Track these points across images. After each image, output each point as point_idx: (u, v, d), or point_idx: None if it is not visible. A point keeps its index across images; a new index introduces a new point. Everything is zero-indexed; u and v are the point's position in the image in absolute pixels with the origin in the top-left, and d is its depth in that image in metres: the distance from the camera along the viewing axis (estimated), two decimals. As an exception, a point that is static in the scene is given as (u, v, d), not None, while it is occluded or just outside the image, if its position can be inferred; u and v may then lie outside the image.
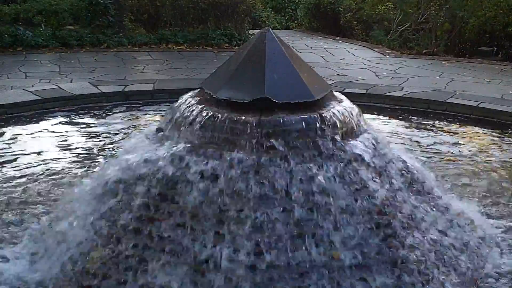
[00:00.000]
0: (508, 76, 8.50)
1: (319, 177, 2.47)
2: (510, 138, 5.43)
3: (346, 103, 2.85)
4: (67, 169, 4.31)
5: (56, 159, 4.55)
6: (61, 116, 5.89)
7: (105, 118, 5.88)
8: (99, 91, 6.60)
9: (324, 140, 2.55)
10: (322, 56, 10.30)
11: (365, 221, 2.50)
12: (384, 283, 2.42)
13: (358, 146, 2.68)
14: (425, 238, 2.68)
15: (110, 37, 10.46)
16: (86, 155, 4.70)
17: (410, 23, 11.83)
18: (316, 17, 14.87)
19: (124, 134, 5.27)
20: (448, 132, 5.66)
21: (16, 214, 3.47)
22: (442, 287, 2.54)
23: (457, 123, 5.96)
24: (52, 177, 4.12)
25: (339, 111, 2.68)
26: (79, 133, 5.35)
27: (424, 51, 10.99)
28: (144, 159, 2.66)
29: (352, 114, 2.77)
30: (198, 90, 2.95)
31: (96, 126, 5.58)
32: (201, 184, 2.48)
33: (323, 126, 2.56)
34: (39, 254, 2.82)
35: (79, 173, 4.18)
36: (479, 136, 5.50)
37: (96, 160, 4.51)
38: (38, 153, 4.66)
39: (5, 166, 4.35)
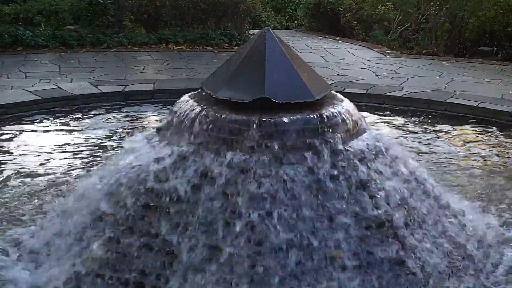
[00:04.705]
0: (508, 76, 8.50)
1: (319, 177, 2.48)
2: (509, 138, 5.43)
3: (346, 103, 2.85)
4: (67, 169, 4.31)
5: (57, 159, 4.55)
6: (61, 116, 5.89)
7: (105, 118, 5.88)
8: (99, 91, 6.60)
9: (324, 140, 2.55)
10: (322, 56, 10.30)
11: (365, 220, 2.50)
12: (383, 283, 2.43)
13: (358, 146, 2.68)
14: (425, 238, 2.68)
15: (110, 37, 10.46)
16: (86, 155, 4.70)
17: (410, 23, 11.84)
18: (316, 17, 14.88)
19: (124, 134, 5.27)
20: (448, 132, 5.65)
21: (15, 213, 3.47)
22: None
23: (457, 123, 5.96)
24: (52, 177, 4.12)
25: (339, 111, 2.68)
26: (79, 133, 5.34)
27: (424, 51, 11.00)
28: (144, 160, 2.66)
29: (352, 114, 2.78)
30: (198, 90, 2.95)
31: (96, 126, 5.57)
32: (200, 184, 2.48)
33: (323, 126, 2.56)
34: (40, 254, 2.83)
35: (79, 174, 4.18)
36: (479, 136, 5.50)
37: (96, 161, 4.51)
38: (38, 153, 4.66)
39: (5, 166, 4.35)
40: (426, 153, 4.88)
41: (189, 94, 2.95)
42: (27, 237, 3.05)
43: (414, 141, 5.24)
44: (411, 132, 5.62)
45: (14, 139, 5.08)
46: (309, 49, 11.29)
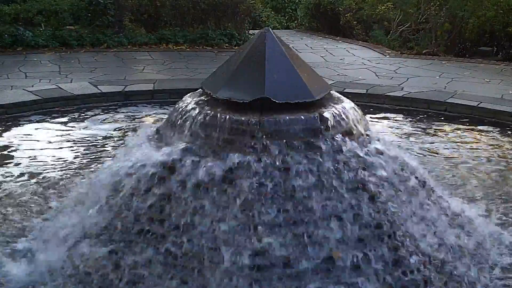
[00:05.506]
0: (508, 76, 8.51)
1: (319, 177, 2.47)
2: (510, 138, 5.43)
3: (346, 103, 2.85)
4: (67, 169, 4.30)
5: (56, 159, 4.55)
6: (61, 116, 5.89)
7: (104, 118, 5.88)
8: (99, 91, 6.60)
9: (324, 140, 2.55)
10: (322, 56, 10.31)
11: (364, 221, 2.50)
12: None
13: (358, 145, 2.68)
14: (424, 239, 2.68)
15: (110, 37, 10.47)
16: (85, 155, 4.69)
17: (410, 23, 11.84)
18: (316, 17, 14.89)
19: (124, 134, 5.27)
20: (448, 132, 5.65)
21: (15, 212, 3.47)
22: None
23: (457, 123, 5.96)
24: (52, 176, 4.12)
25: (339, 111, 2.69)
26: (78, 133, 5.34)
27: (424, 51, 11.00)
28: (144, 161, 2.66)
29: (352, 114, 2.77)
30: (198, 90, 2.95)
31: (95, 126, 5.57)
32: (200, 184, 2.48)
33: (323, 126, 2.56)
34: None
35: (78, 174, 4.18)
36: (479, 136, 5.50)
37: (96, 161, 4.51)
38: (37, 154, 4.66)
39: (5, 166, 4.35)
40: (426, 153, 4.87)
41: (189, 94, 2.95)
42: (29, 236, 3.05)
43: (415, 142, 5.23)
44: (411, 132, 5.61)
45: (13, 139, 5.08)
46: (309, 49, 11.30)
